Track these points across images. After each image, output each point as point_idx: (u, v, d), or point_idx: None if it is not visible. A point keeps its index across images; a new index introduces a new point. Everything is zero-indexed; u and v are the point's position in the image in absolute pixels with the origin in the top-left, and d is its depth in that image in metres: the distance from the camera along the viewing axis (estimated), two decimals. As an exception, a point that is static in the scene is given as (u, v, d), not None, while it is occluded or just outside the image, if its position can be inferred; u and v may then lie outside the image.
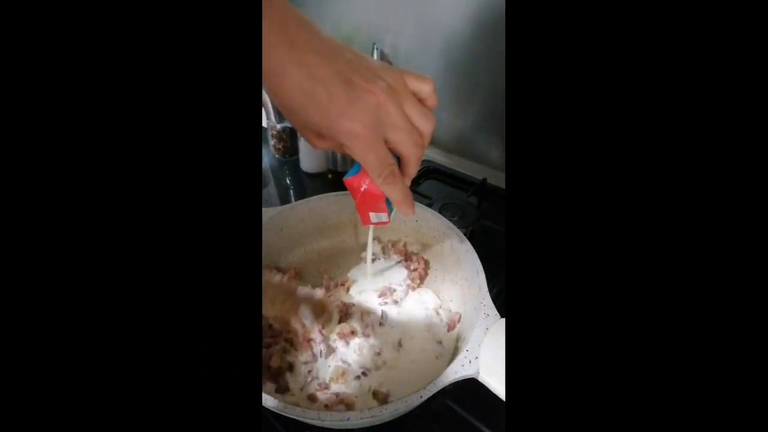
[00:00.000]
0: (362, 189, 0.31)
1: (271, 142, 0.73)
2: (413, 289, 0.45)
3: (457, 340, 0.40)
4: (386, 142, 0.27)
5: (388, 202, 0.32)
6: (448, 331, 0.41)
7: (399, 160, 0.29)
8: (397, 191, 0.30)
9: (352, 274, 0.47)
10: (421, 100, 0.29)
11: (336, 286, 0.46)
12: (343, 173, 0.32)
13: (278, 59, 0.25)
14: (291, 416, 0.29)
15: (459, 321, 0.41)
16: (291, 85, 0.25)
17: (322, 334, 0.39)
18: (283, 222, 0.46)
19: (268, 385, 0.36)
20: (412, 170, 0.30)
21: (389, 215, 0.34)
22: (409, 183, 0.31)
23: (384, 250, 0.49)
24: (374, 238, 0.43)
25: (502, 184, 0.64)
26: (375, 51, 0.73)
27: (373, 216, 0.34)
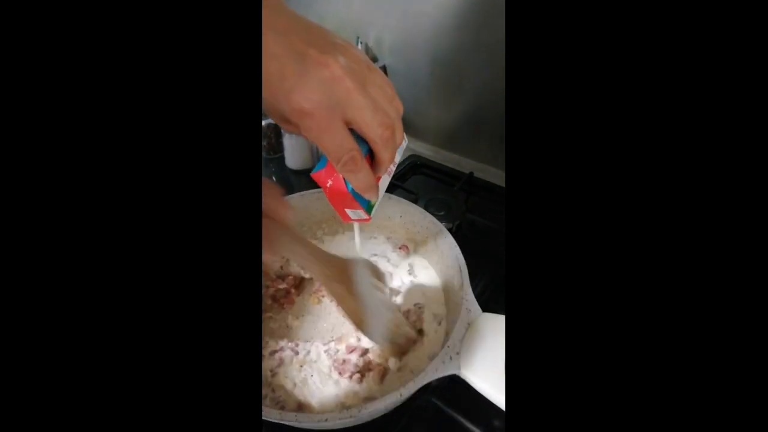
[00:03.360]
0: (327, 185, 0.29)
1: (256, 139, 0.72)
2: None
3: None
4: (348, 123, 0.25)
5: (358, 198, 0.30)
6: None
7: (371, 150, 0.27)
8: (360, 180, 0.27)
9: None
10: None
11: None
12: None
13: None
14: (268, 419, 0.28)
15: None
16: None
17: None
18: (265, 220, 0.46)
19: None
20: (384, 156, 0.27)
21: (366, 212, 0.32)
22: (383, 172, 0.28)
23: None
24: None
25: (490, 178, 0.63)
26: (359, 44, 0.72)
27: (350, 213, 0.33)
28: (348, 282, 0.33)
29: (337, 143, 0.25)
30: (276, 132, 0.70)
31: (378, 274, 0.37)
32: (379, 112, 0.25)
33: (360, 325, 0.34)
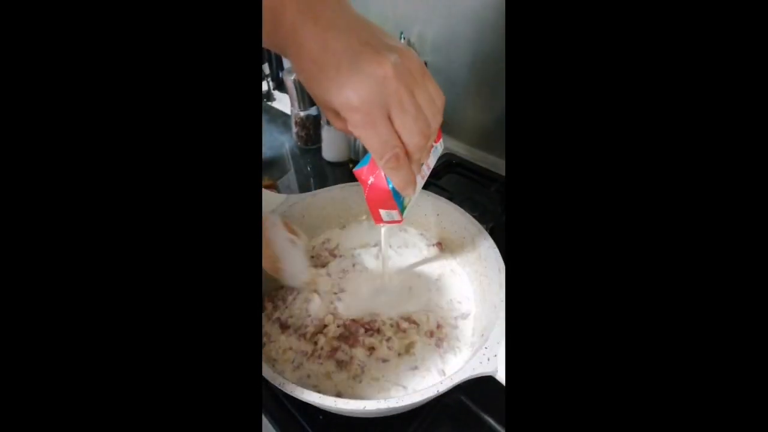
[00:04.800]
0: (369, 182, 0.30)
1: (294, 129, 0.73)
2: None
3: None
4: (391, 122, 0.25)
5: (397, 198, 0.31)
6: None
7: None
8: (401, 178, 0.28)
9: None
10: None
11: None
12: None
13: (300, 36, 0.25)
14: (308, 401, 0.29)
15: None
16: (307, 59, 0.25)
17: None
18: (305, 210, 0.47)
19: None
20: (414, 158, 0.27)
21: (401, 213, 0.33)
22: (416, 172, 0.29)
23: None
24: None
25: (526, 181, 0.63)
26: (402, 40, 0.72)
27: (384, 214, 0.33)
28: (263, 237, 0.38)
29: (382, 140, 0.26)
30: (314, 123, 0.71)
31: (291, 228, 0.42)
32: (420, 121, 0.26)
33: (276, 273, 0.40)
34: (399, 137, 0.26)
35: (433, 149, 0.33)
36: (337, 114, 0.27)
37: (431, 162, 0.34)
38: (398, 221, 0.34)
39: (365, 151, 0.68)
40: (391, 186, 0.30)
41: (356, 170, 0.31)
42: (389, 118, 0.25)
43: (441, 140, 0.34)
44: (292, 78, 0.66)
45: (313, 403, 0.30)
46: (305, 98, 0.68)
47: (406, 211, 0.34)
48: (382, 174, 0.30)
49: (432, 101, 0.26)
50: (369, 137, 0.26)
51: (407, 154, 0.27)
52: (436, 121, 0.27)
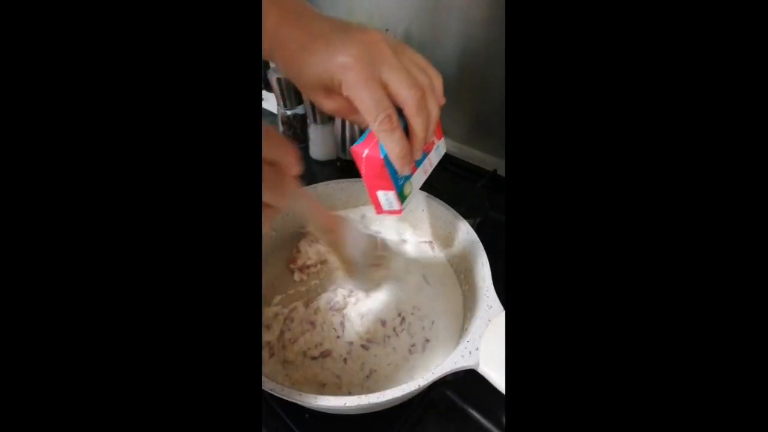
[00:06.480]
0: (363, 155, 0.30)
1: (281, 128, 0.73)
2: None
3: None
4: (384, 86, 0.28)
5: (392, 173, 0.31)
6: None
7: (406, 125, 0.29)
8: (395, 141, 0.29)
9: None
10: None
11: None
12: (353, 161, 0.32)
13: (284, 33, 0.28)
14: (289, 399, 0.29)
15: None
16: (295, 47, 0.28)
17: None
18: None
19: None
20: (416, 123, 0.29)
21: (399, 198, 0.33)
22: (418, 146, 0.30)
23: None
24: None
25: (514, 177, 0.63)
26: (388, 38, 0.72)
27: (382, 198, 0.33)
28: (341, 234, 0.37)
29: (375, 98, 0.27)
30: (301, 122, 0.71)
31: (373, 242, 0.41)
32: (410, 75, 0.28)
33: (349, 272, 0.39)
34: (392, 101, 0.28)
35: (434, 147, 0.34)
36: (327, 92, 0.29)
37: (434, 159, 0.35)
38: (397, 211, 0.34)
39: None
40: (384, 154, 0.30)
41: (353, 147, 0.31)
42: (380, 81, 0.27)
43: (443, 139, 0.35)
44: (276, 77, 0.65)
45: (293, 401, 0.29)
46: (291, 97, 0.68)
47: (406, 201, 0.34)
48: (378, 145, 0.30)
49: (416, 62, 0.30)
50: (362, 95, 0.27)
51: (407, 115, 0.29)
52: (426, 76, 0.29)
